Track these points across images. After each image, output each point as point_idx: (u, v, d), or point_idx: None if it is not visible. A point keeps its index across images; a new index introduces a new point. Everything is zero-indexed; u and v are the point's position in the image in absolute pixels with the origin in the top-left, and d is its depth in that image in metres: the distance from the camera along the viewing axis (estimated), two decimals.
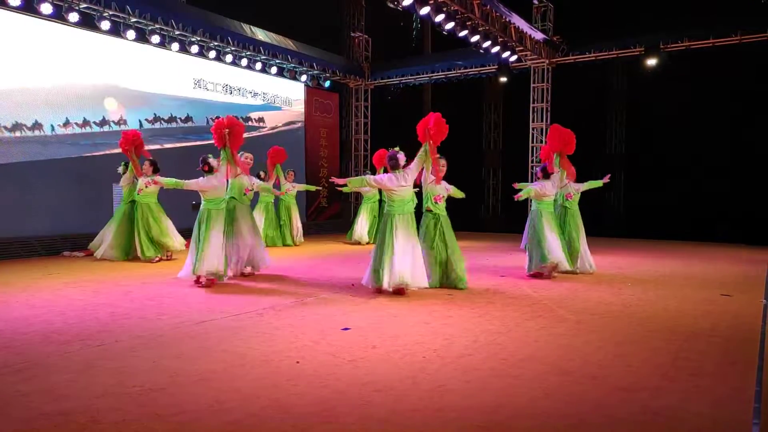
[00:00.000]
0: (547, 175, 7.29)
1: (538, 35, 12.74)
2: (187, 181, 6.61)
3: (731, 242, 11.52)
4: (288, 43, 13.24)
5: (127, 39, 10.26)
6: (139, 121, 10.98)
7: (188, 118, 11.90)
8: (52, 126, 9.62)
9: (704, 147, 13.60)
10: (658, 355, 3.78)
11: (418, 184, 6.36)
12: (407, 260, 5.78)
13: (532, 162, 13.74)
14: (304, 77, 14.11)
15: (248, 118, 13.20)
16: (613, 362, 3.63)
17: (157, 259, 8.43)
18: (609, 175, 8.06)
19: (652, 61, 12.02)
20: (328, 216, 15.53)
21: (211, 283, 6.36)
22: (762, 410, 2.87)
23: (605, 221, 14.80)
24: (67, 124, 9.82)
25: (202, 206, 6.60)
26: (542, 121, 13.65)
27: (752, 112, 13.00)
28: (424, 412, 2.81)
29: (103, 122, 10.39)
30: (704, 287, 6.48)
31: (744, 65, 12.60)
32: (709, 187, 13.50)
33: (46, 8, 8.95)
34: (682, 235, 12.41)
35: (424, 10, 9.86)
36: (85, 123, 10.10)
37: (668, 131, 14.37)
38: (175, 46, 11.08)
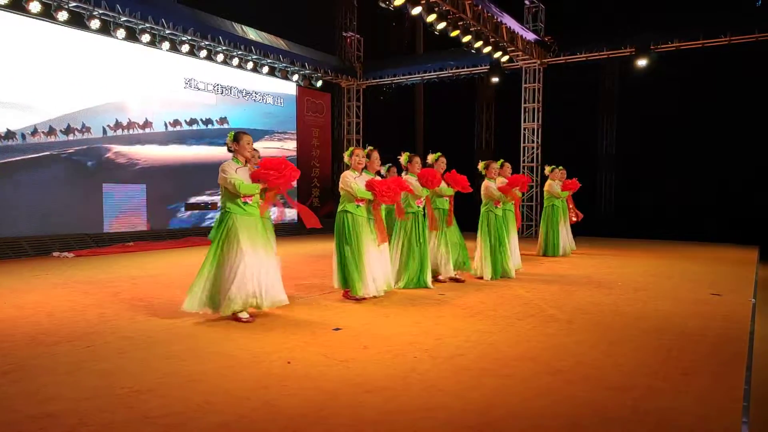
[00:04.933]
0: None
1: (530, 36, 12.78)
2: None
3: (721, 242, 11.61)
4: (280, 43, 13.20)
5: (116, 38, 10.20)
6: (127, 120, 10.92)
7: (183, 119, 11.85)
8: (45, 126, 9.55)
9: (694, 147, 13.68)
10: (649, 355, 3.79)
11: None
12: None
13: (524, 162, 13.80)
14: (295, 77, 14.07)
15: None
16: (604, 362, 3.63)
17: None
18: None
19: (642, 62, 12.07)
20: (320, 215, 15.48)
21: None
22: (750, 409, 2.89)
23: (596, 221, 14.86)
24: (57, 124, 9.75)
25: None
26: (534, 121, 13.70)
27: (743, 112, 13.09)
28: (416, 412, 2.80)
29: (95, 124, 10.33)
30: (694, 287, 6.51)
31: (734, 66, 12.69)
32: (699, 187, 13.59)
33: (35, 6, 8.88)
34: (672, 235, 12.50)
35: (416, 10, 9.86)
36: (80, 125, 10.03)
37: (659, 131, 14.44)
38: (166, 45, 11.02)
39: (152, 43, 10.83)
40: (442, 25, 10.52)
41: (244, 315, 4.61)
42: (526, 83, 13.77)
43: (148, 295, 5.80)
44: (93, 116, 10.28)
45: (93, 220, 10.30)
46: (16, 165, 9.23)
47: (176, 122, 11.73)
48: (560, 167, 10.04)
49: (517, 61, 13.47)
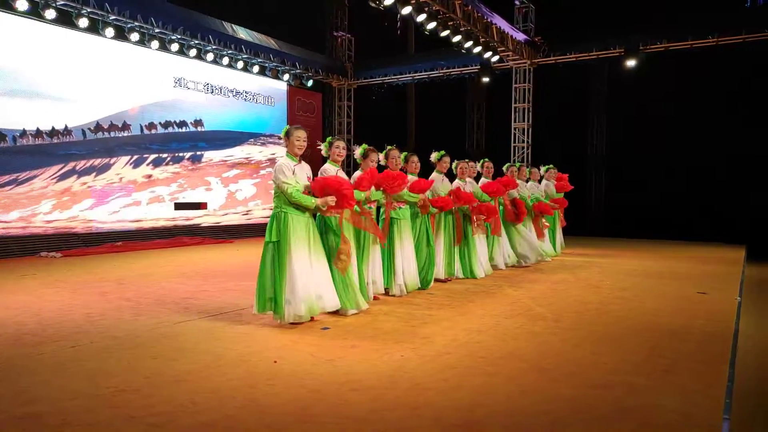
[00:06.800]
0: None
1: (520, 36, 12.83)
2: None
3: (708, 241, 11.72)
4: (270, 42, 13.17)
5: (105, 37, 10.13)
6: (109, 122, 10.86)
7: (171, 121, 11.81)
8: (35, 126, 9.47)
9: (683, 147, 13.79)
10: (634, 353, 3.83)
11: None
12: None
13: (514, 162, 13.84)
14: (286, 76, 14.04)
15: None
16: (589, 360, 3.66)
17: None
18: None
19: (631, 62, 12.16)
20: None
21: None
22: (732, 406, 2.92)
23: (585, 220, 14.96)
24: (46, 124, 9.67)
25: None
26: (524, 121, 13.75)
27: (731, 112, 13.21)
28: (401, 411, 2.81)
29: (84, 123, 10.26)
30: (681, 285, 6.57)
31: (721, 66, 12.80)
32: (687, 187, 13.70)
33: (22, 4, 8.80)
34: (660, 234, 12.59)
35: (406, 10, 9.86)
36: (63, 125, 9.96)
37: (648, 132, 14.54)
38: (155, 44, 10.97)
39: (141, 42, 10.76)
40: (432, 25, 10.54)
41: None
42: (516, 83, 13.82)
43: (135, 295, 5.78)
44: (83, 115, 10.20)
45: (81, 220, 10.24)
46: (7, 166, 9.15)
47: (167, 124, 11.68)
48: (551, 165, 10.08)
49: (507, 61, 13.52)
